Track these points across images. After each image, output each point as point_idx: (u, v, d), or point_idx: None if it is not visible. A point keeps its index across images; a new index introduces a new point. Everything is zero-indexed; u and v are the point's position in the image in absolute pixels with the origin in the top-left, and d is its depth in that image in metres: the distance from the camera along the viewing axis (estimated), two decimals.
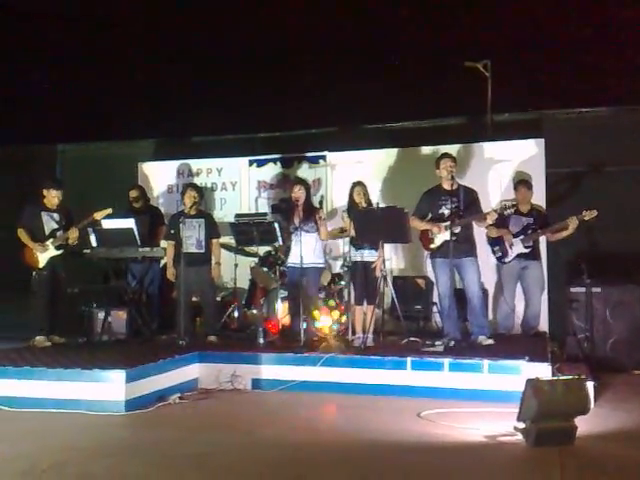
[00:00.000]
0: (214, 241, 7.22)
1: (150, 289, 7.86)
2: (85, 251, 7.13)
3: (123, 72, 11.12)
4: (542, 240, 7.38)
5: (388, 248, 6.78)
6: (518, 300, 7.35)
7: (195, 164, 9.19)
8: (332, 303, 7.47)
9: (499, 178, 7.96)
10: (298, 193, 6.95)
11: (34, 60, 11.35)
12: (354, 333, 6.78)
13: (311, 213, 6.93)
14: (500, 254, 7.25)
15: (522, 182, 7.41)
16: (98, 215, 6.92)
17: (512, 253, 7.18)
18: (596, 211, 6.68)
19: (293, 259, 6.94)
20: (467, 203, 6.41)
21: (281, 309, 7.51)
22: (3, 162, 9.93)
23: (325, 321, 7.36)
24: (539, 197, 7.66)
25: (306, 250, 6.67)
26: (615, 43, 9.74)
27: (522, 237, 7.15)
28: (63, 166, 10.16)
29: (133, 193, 8.05)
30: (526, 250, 7.16)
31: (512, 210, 6.58)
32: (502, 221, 6.97)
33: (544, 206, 7.64)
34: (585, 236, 7.53)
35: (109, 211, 6.96)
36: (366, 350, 6.31)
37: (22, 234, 6.96)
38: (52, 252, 6.97)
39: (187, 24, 11.20)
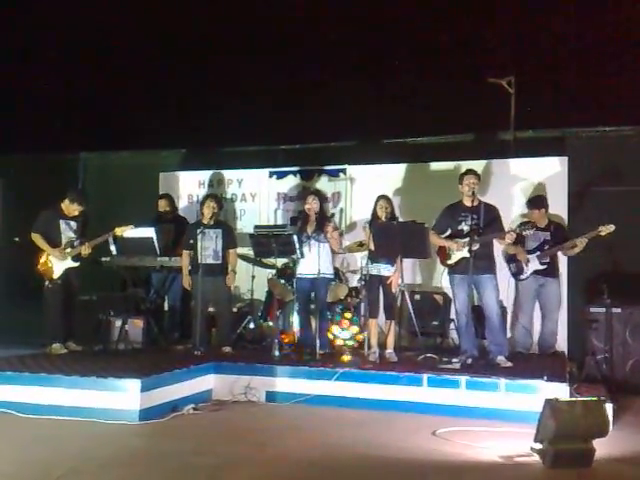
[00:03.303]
0: (231, 251, 7.25)
1: (171, 299, 7.89)
2: (104, 259, 7.17)
3: (147, 83, 11.24)
4: (561, 257, 7.31)
5: (406, 263, 6.76)
6: (535, 318, 7.29)
7: (216, 175, 9.25)
8: (350, 316, 7.44)
9: (521, 195, 7.91)
10: (312, 204, 7.03)
11: (59, 69, 11.52)
12: (369, 347, 6.77)
13: (324, 224, 6.98)
14: (515, 271, 7.20)
15: (528, 202, 7.37)
16: (119, 231, 6.88)
17: (528, 270, 7.12)
18: (613, 226, 6.56)
19: (303, 269, 6.98)
20: (488, 220, 6.37)
21: (297, 321, 7.51)
22: (26, 169, 10.06)
23: (342, 334, 7.36)
24: (562, 214, 7.60)
25: (317, 260, 6.69)
26: None
27: (538, 253, 7.09)
28: (85, 174, 10.27)
29: (162, 203, 8.10)
30: (542, 267, 7.09)
31: (532, 231, 6.52)
32: (520, 237, 6.92)
33: (566, 222, 7.57)
34: (606, 255, 7.46)
35: (131, 227, 6.94)
36: (382, 365, 6.29)
37: (38, 239, 6.88)
38: (69, 263, 6.92)
39: (209, 36, 11.30)
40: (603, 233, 6.62)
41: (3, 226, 10.07)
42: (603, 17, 10.01)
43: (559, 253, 7.21)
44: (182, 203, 9.21)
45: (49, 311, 6.94)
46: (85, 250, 6.90)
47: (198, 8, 11.34)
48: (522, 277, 7.15)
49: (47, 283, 6.91)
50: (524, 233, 6.50)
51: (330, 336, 7.32)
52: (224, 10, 11.23)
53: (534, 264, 7.09)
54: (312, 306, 7.14)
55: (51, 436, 4.94)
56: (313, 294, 7.07)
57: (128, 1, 11.38)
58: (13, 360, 6.30)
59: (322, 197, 7.21)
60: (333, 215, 8.07)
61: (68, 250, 6.90)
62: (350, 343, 7.34)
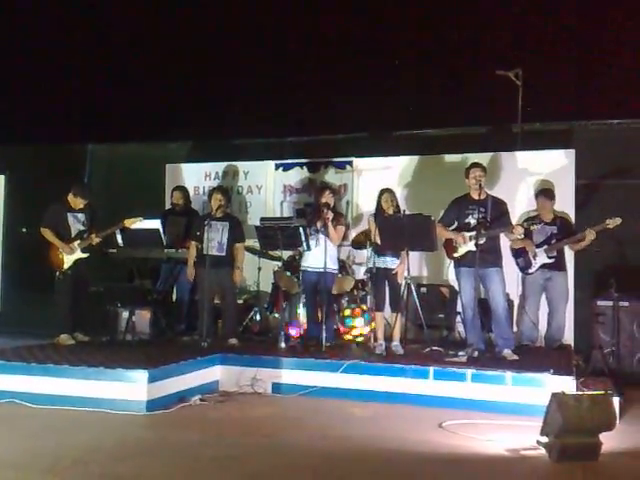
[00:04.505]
0: (238, 245, 7.24)
1: (179, 291, 7.90)
2: (111, 251, 7.18)
3: (154, 75, 11.22)
4: (567, 250, 7.29)
5: (412, 255, 6.75)
6: (542, 312, 7.27)
7: (222, 167, 9.23)
8: (364, 308, 7.43)
9: (527, 188, 7.87)
10: (329, 198, 6.99)
11: (66, 60, 11.51)
12: (375, 340, 6.76)
13: (336, 218, 6.96)
14: (523, 265, 7.18)
15: (541, 192, 7.34)
16: (128, 222, 6.88)
17: (535, 264, 7.11)
18: (620, 219, 6.56)
19: (309, 262, 6.99)
20: (495, 214, 6.34)
21: (303, 314, 7.51)
22: (33, 161, 10.07)
23: (350, 326, 7.36)
24: (568, 209, 7.57)
25: (323, 254, 6.69)
26: None
27: (545, 247, 7.08)
28: (92, 165, 10.28)
29: (176, 194, 8.12)
30: (550, 260, 7.08)
31: (540, 225, 6.51)
32: (527, 231, 6.91)
33: (573, 218, 7.54)
34: (614, 248, 7.44)
35: (140, 219, 6.94)
36: (388, 358, 6.29)
37: (47, 233, 6.91)
38: (79, 254, 6.95)
39: (217, 27, 11.27)
40: (611, 226, 6.61)
41: (10, 218, 10.10)
42: (612, 8, 9.94)
43: (566, 247, 7.19)
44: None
45: (59, 302, 6.97)
46: (95, 239, 6.93)
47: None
48: (530, 271, 7.14)
49: (58, 274, 6.94)
50: (532, 228, 6.49)
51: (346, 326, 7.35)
52: (231, 1, 11.21)
53: (542, 258, 7.08)
54: (318, 298, 7.13)
55: (58, 426, 4.96)
56: (319, 287, 7.05)
57: None
58: (21, 351, 6.33)
59: (335, 191, 7.21)
60: (327, 205, 7.95)
61: (78, 242, 6.94)
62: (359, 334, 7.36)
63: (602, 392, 4.48)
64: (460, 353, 6.23)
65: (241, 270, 7.29)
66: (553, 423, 4.29)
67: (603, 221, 6.65)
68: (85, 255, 6.98)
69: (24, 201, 9.62)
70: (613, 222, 6.59)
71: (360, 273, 7.94)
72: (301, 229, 6.81)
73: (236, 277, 7.23)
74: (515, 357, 6.21)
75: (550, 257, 7.07)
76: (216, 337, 7.15)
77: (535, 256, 7.09)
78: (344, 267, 7.63)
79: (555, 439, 4.27)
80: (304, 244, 6.83)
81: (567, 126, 8.38)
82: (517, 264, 7.23)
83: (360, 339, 7.30)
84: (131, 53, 11.21)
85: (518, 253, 7.20)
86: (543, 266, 7.10)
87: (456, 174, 6.99)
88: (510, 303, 7.20)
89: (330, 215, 6.84)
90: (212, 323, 7.24)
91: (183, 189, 8.29)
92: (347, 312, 7.26)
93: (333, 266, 7.04)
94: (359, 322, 7.23)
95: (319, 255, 6.77)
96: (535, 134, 8.47)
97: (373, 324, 7.00)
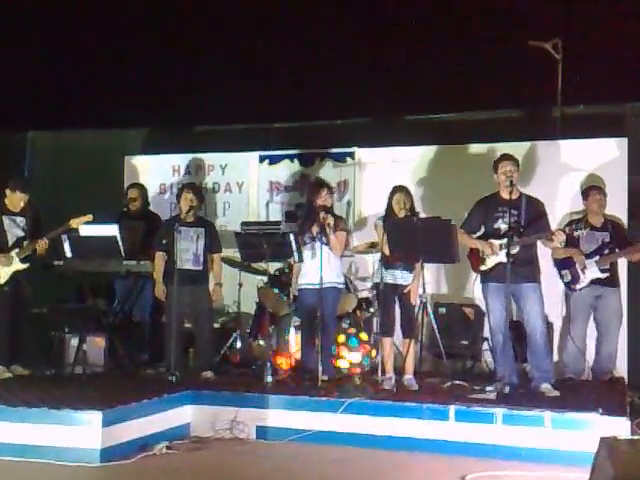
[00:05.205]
0: (215, 256, 7.29)
1: (139, 312, 7.91)
2: (57, 263, 7.18)
3: (108, 48, 11.22)
4: (621, 263, 7.32)
5: (429, 268, 6.78)
6: (590, 337, 7.30)
7: (194, 159, 9.26)
8: (364, 336, 7.44)
9: (570, 185, 7.93)
10: (327, 199, 7.00)
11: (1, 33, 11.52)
12: (384, 372, 6.78)
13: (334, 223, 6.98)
14: (569, 279, 7.21)
15: (594, 187, 7.39)
16: (75, 223, 6.95)
17: (585, 278, 7.14)
18: None
19: (306, 279, 7.00)
20: (531, 217, 6.39)
21: (294, 340, 7.53)
22: None
23: (351, 356, 7.37)
24: (620, 209, 7.62)
25: (324, 267, 6.70)
26: None
27: (597, 258, 7.11)
28: (33, 158, 10.29)
29: (132, 193, 8.15)
30: (602, 275, 7.11)
31: (585, 230, 6.55)
32: (571, 238, 6.94)
33: (625, 220, 7.58)
34: None
35: (89, 217, 6.99)
36: (399, 395, 6.29)
37: None
38: (17, 265, 7.00)
39: None
40: None
41: None
42: None
43: (619, 259, 7.20)
44: (152, 193, 9.21)
45: None
46: (41, 245, 6.94)
47: None
48: (578, 287, 7.16)
49: None
50: (576, 233, 6.53)
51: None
52: None
53: (592, 271, 7.09)
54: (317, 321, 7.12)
55: None
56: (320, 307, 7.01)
57: None
58: None
59: (333, 190, 7.29)
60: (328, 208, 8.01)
61: (15, 251, 6.96)
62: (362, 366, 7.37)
63: None
64: (488, 388, 6.26)
65: (220, 287, 7.32)
66: (602, 474, 4.29)
67: None
68: (24, 266, 7.01)
69: None
70: None
71: (365, 290, 7.97)
72: (291, 236, 6.82)
73: (216, 295, 7.26)
74: (556, 393, 6.25)
75: (603, 271, 7.08)
76: (187, 369, 7.18)
77: (584, 268, 7.11)
78: (345, 283, 7.64)
79: None
80: (295, 254, 6.84)
81: (618, 109, 8.43)
82: (561, 277, 7.25)
83: (344, 370, 7.31)
84: (79, 24, 11.19)
85: (563, 264, 7.21)
86: (593, 281, 7.12)
87: (482, 169, 7.03)
88: (550, 326, 7.23)
89: (331, 220, 6.86)
90: (182, 352, 7.26)
91: (140, 187, 8.32)
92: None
93: (337, 279, 7.04)
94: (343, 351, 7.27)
95: (318, 269, 6.75)
96: (579, 119, 8.52)
97: (373, 352, 7.03)
